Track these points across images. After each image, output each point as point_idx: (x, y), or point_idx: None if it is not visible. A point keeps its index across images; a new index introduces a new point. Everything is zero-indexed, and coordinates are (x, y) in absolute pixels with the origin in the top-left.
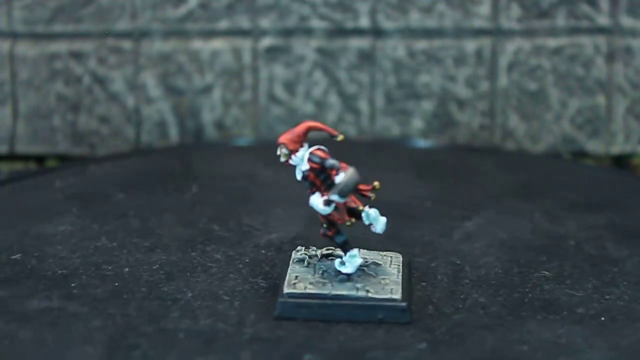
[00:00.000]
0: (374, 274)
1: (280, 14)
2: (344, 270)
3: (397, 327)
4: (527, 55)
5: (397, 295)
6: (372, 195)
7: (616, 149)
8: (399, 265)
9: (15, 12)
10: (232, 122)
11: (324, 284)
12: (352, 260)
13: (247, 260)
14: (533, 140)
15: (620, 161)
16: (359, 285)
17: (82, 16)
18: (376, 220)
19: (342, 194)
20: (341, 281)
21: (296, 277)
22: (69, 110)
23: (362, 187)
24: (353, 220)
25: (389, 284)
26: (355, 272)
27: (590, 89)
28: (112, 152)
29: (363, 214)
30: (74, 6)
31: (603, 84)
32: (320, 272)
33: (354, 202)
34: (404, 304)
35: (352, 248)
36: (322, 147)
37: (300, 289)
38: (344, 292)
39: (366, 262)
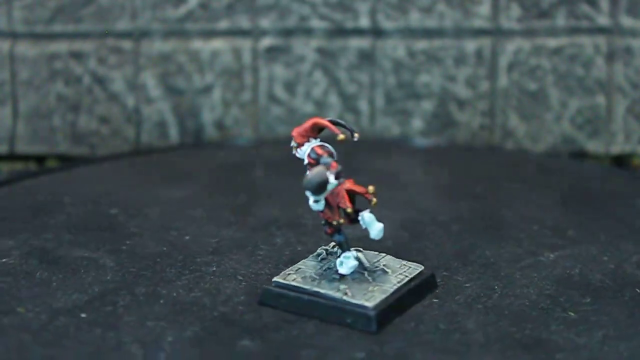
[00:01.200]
0: (371, 279)
1: (280, 14)
2: (340, 270)
3: (360, 333)
4: (527, 55)
5: (369, 304)
6: (373, 199)
7: (616, 149)
8: (407, 277)
9: (15, 12)
10: (232, 122)
11: (314, 279)
12: (346, 262)
13: (290, 249)
14: (533, 140)
15: (620, 161)
16: (342, 287)
17: (82, 16)
18: (370, 225)
19: (306, 190)
20: (331, 280)
21: (298, 269)
22: (69, 110)
23: (356, 188)
24: (341, 220)
25: (375, 291)
26: (355, 274)
27: (590, 89)
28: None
29: (359, 218)
30: (74, 6)
31: (603, 84)
32: (324, 269)
33: (346, 202)
34: (372, 312)
35: (349, 249)
36: (325, 145)
37: (289, 280)
38: (322, 291)
39: (375, 267)
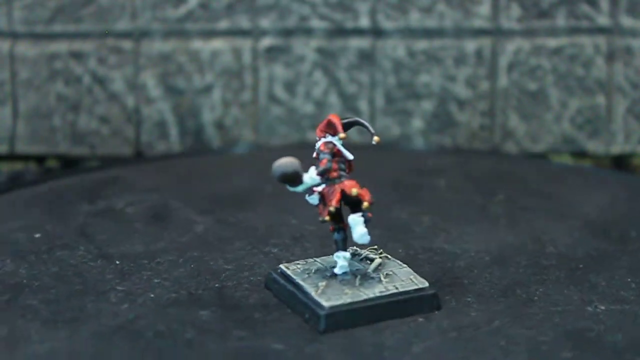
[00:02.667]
0: (358, 284)
1: (280, 14)
2: (335, 269)
3: (310, 330)
4: (527, 55)
5: (327, 303)
6: (365, 202)
7: (616, 149)
8: (396, 289)
9: (15, 12)
10: (232, 122)
11: (308, 273)
12: (338, 262)
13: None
14: (533, 140)
15: (620, 161)
16: (321, 284)
17: (82, 16)
18: (353, 227)
19: (274, 177)
20: (321, 277)
21: (312, 262)
22: (69, 110)
23: (347, 190)
24: (327, 218)
25: (348, 294)
26: (348, 275)
27: (590, 89)
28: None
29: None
30: (74, 6)
31: (603, 84)
32: (330, 267)
33: (333, 201)
34: (322, 312)
35: (344, 250)
36: (332, 141)
37: (289, 269)
38: (303, 284)
39: (377, 274)
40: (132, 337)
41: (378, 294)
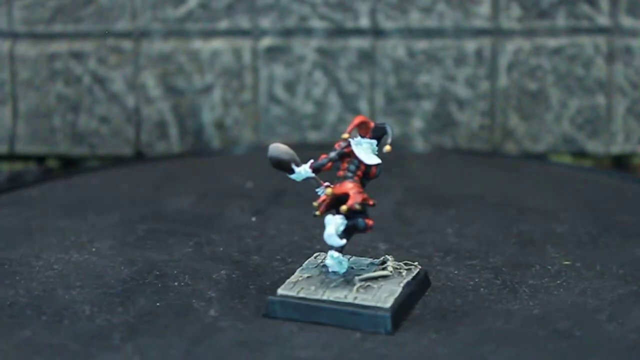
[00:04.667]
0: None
1: (280, 14)
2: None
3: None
4: (527, 55)
5: (287, 291)
6: (344, 206)
7: (616, 149)
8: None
9: (15, 12)
10: (232, 122)
11: (317, 259)
12: (326, 259)
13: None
14: (533, 140)
15: (620, 161)
16: (306, 272)
17: (82, 16)
18: (325, 226)
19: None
20: (317, 267)
21: (316, 256)
22: (69, 110)
23: (337, 191)
24: (318, 213)
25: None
26: (336, 273)
27: (590, 89)
28: None
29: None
30: (74, 6)
31: (603, 84)
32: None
33: (321, 197)
34: (270, 297)
35: (339, 250)
36: (348, 142)
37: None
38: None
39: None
40: None
41: (332, 299)
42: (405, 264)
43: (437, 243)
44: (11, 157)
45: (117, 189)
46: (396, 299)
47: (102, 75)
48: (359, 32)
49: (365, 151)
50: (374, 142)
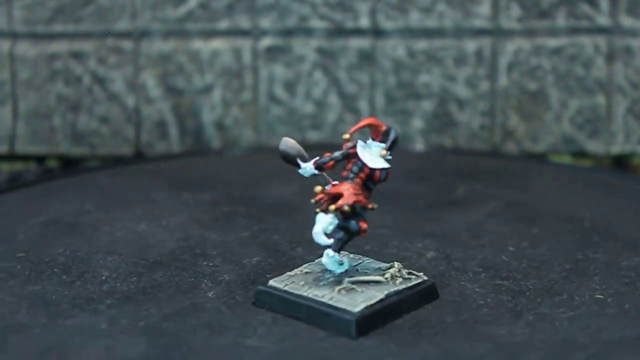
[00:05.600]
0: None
1: (280, 14)
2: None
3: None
4: (527, 55)
5: (277, 283)
6: (332, 205)
7: (616, 149)
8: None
9: (15, 12)
10: (232, 122)
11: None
12: (323, 258)
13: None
14: (533, 140)
15: (620, 161)
16: (305, 268)
17: (82, 16)
18: (315, 224)
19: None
20: (319, 264)
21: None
22: (69, 110)
23: (332, 190)
24: (318, 210)
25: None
26: (332, 272)
27: (590, 89)
28: None
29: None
30: (74, 6)
31: (603, 84)
32: (338, 263)
33: (319, 194)
34: (259, 287)
35: (336, 249)
36: (356, 143)
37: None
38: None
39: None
40: None
41: (311, 296)
42: (409, 274)
43: (485, 259)
44: (11, 157)
45: (211, 171)
46: (370, 306)
47: (102, 75)
48: (359, 32)
49: (372, 154)
50: (384, 145)
